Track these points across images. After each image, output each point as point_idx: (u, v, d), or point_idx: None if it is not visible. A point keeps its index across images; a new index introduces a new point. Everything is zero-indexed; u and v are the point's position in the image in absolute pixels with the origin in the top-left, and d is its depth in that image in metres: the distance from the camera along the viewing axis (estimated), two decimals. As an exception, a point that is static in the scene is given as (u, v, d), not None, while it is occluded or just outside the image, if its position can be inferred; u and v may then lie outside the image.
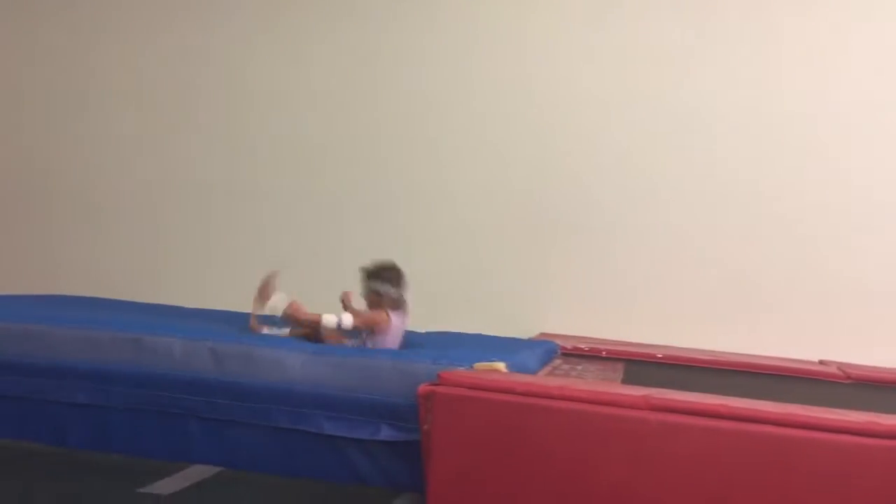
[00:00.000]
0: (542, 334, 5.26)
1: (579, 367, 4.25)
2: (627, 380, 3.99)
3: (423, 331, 4.61)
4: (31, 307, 4.30)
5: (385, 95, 5.89)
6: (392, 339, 4.02)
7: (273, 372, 3.55)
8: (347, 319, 3.92)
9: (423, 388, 3.12)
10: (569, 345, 4.85)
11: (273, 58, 6.04)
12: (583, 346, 4.87)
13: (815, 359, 5.07)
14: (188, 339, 3.65)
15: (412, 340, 4.20)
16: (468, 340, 4.44)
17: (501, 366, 3.35)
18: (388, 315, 3.98)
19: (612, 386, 3.47)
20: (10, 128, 6.43)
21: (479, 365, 3.35)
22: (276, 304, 4.09)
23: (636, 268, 5.57)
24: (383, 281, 4.02)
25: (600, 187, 5.62)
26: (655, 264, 5.55)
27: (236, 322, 4.23)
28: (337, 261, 5.28)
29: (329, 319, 3.90)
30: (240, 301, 4.53)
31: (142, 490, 3.17)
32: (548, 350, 4.49)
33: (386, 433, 3.42)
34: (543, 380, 3.36)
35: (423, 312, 5.33)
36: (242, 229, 5.97)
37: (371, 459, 3.47)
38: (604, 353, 4.80)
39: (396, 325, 4.02)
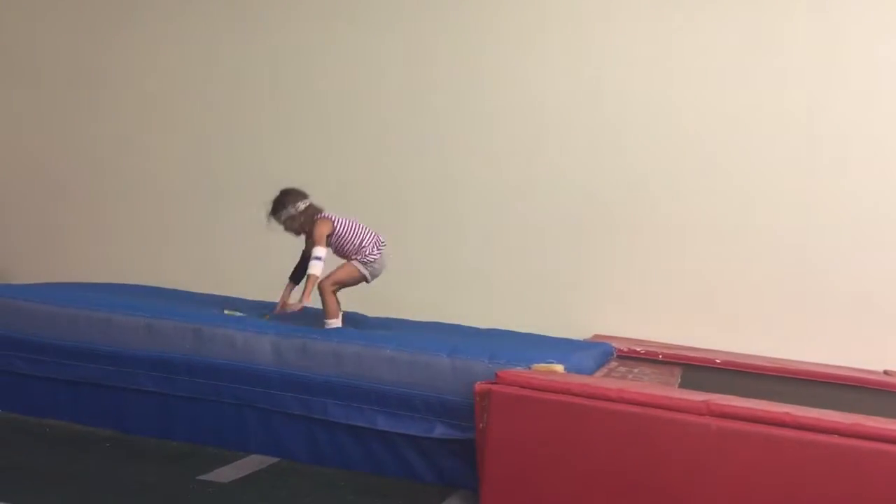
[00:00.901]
0: (597, 336, 5.21)
1: (636, 370, 4.20)
2: (685, 384, 3.93)
3: (484, 328, 4.62)
4: (93, 294, 4.40)
5: (436, 96, 5.91)
6: (354, 233, 4.12)
7: (329, 365, 3.58)
8: (320, 252, 4.01)
9: (479, 386, 3.12)
10: (624, 347, 4.80)
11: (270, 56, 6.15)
12: (639, 349, 4.81)
13: (880, 369, 4.93)
14: (249, 332, 3.70)
15: (470, 335, 4.20)
16: (523, 339, 4.42)
17: (560, 367, 3.33)
18: (322, 221, 4.07)
19: (671, 390, 3.43)
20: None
21: (537, 366, 3.33)
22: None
23: (693, 270, 5.49)
24: (285, 206, 4.09)
25: (659, 187, 5.56)
26: (714, 268, 5.46)
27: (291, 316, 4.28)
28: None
29: (315, 267, 3.98)
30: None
31: (201, 477, 3.23)
32: (604, 352, 4.45)
33: (440, 430, 3.43)
34: (601, 381, 3.32)
35: (480, 311, 5.39)
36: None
37: (424, 456, 3.47)
38: (660, 356, 4.74)
39: (342, 221, 4.13)
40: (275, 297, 4.45)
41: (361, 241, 4.12)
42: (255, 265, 5.76)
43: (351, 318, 4.35)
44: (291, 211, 4.09)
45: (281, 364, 3.61)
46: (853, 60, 5.33)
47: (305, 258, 4.15)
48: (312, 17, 6.10)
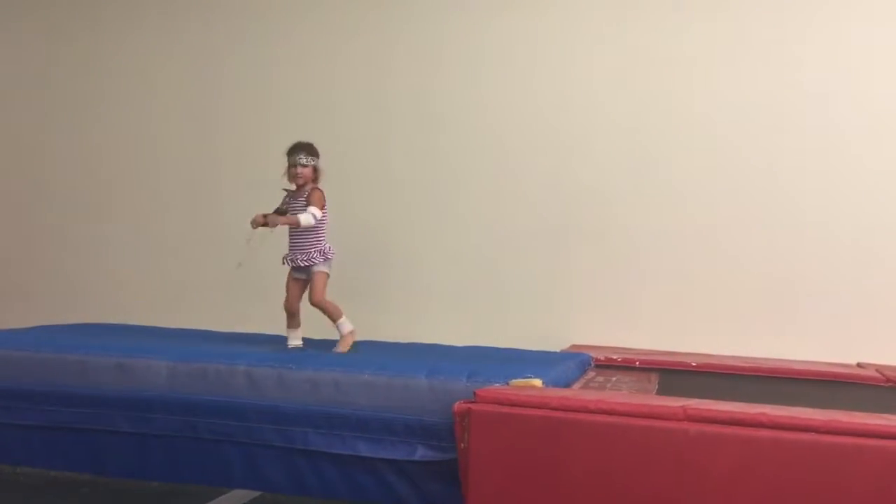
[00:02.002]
0: (574, 346, 5.23)
1: (613, 379, 4.22)
2: (663, 390, 3.95)
3: (461, 345, 4.61)
4: (65, 336, 4.35)
5: (399, 102, 5.91)
6: (325, 212, 4.29)
7: (306, 394, 3.55)
8: (316, 212, 4.19)
9: (458, 406, 3.11)
10: (601, 356, 4.81)
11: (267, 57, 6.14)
12: (615, 357, 4.83)
13: (853, 362, 5.00)
14: (222, 364, 3.67)
15: (447, 354, 4.20)
16: (500, 355, 4.42)
17: (538, 382, 3.33)
18: (322, 193, 4.28)
19: (649, 397, 3.44)
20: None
21: (515, 381, 3.34)
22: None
23: (664, 275, 5.52)
24: (315, 155, 4.31)
25: (624, 194, 5.58)
26: (684, 270, 5.50)
27: (267, 343, 4.26)
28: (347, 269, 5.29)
29: (308, 218, 4.16)
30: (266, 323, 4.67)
31: (183, 517, 3.19)
32: (581, 362, 4.46)
33: (421, 453, 3.40)
34: (580, 394, 3.33)
35: (453, 328, 5.39)
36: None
37: (408, 480, 3.45)
38: (637, 363, 4.77)
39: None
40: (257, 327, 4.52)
41: (322, 217, 4.29)
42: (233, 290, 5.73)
43: (327, 346, 4.33)
44: (317, 163, 4.30)
45: (257, 395, 3.57)
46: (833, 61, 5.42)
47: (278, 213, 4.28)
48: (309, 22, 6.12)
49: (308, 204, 4.22)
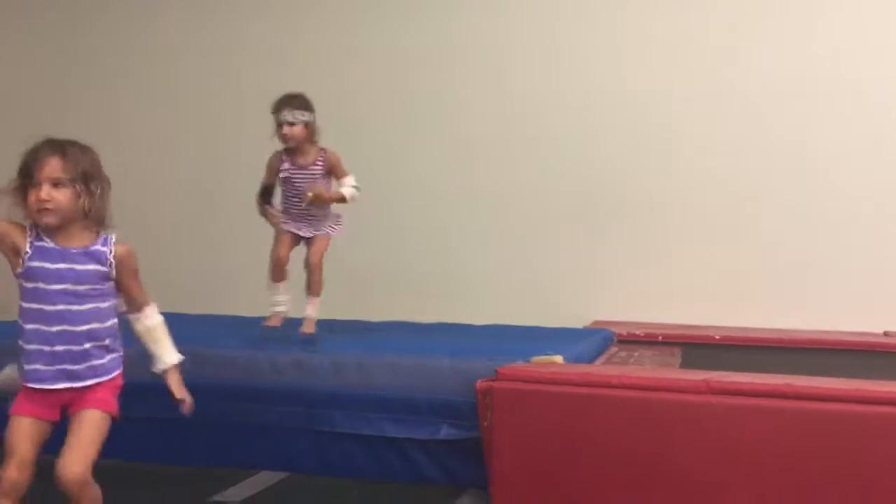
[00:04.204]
0: (596, 322, 5.22)
1: (636, 354, 4.22)
2: (686, 364, 3.96)
3: (483, 324, 4.62)
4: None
5: (423, 87, 5.90)
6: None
7: (330, 377, 3.58)
8: (354, 181, 3.76)
9: (480, 384, 3.13)
10: (624, 331, 4.81)
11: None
12: (638, 332, 4.82)
13: (880, 331, 4.95)
14: (247, 350, 3.71)
15: (469, 333, 4.21)
16: (521, 333, 4.43)
17: (559, 358, 3.34)
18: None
19: (672, 371, 3.44)
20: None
21: (536, 358, 3.34)
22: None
23: (687, 249, 5.50)
24: (306, 109, 3.67)
25: (645, 169, 5.57)
26: (707, 244, 5.47)
27: (290, 327, 4.28)
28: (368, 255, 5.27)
29: (353, 192, 3.75)
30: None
31: (214, 499, 3.23)
32: (603, 338, 4.46)
33: (446, 432, 3.42)
34: (601, 369, 3.34)
35: (475, 306, 5.39)
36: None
37: (433, 458, 3.47)
38: (660, 337, 4.76)
39: None
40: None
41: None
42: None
43: (352, 326, 4.35)
44: (313, 118, 3.68)
45: (281, 379, 3.60)
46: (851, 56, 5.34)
47: (269, 186, 3.81)
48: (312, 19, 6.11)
49: (331, 173, 3.73)
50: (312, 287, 3.84)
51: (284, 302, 3.85)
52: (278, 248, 3.79)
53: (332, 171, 3.78)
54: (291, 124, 3.62)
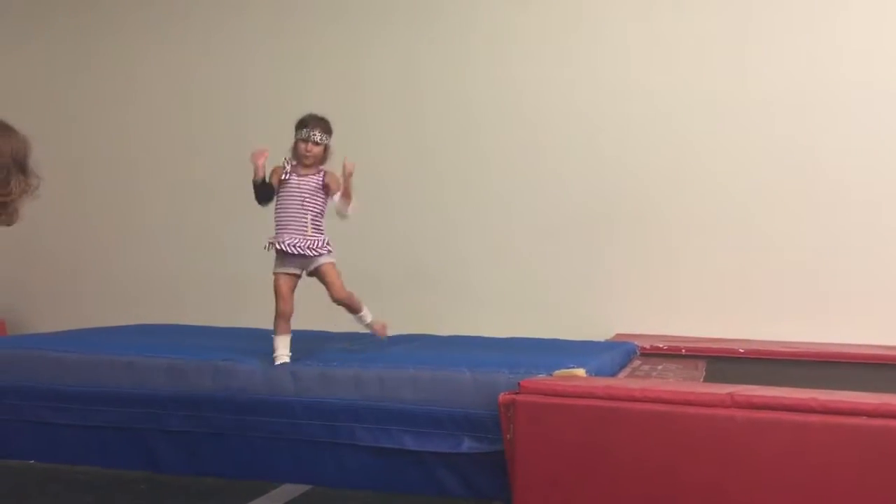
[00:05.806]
0: (619, 335, 5.20)
1: (660, 367, 4.19)
2: (710, 377, 3.92)
3: (505, 337, 4.61)
4: (115, 338, 4.45)
5: (434, 99, 5.93)
6: None
7: (352, 390, 3.59)
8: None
9: (503, 397, 3.12)
10: (647, 344, 4.78)
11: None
12: (661, 345, 4.80)
13: (905, 344, 4.89)
14: (268, 364, 3.73)
15: (490, 347, 4.20)
16: (543, 346, 4.42)
17: (581, 372, 3.33)
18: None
19: (695, 385, 3.41)
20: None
21: (558, 372, 3.33)
22: None
23: (709, 261, 5.47)
24: (330, 133, 3.85)
25: (665, 181, 5.55)
26: (728, 256, 5.44)
27: (311, 340, 4.30)
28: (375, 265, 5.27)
29: (356, 206, 3.83)
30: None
31: (235, 512, 3.25)
32: (626, 351, 4.44)
33: (468, 445, 3.42)
34: (624, 382, 3.32)
35: (496, 320, 5.39)
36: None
37: (455, 472, 3.47)
38: (683, 350, 4.73)
39: None
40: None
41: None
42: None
43: (371, 339, 4.36)
44: (329, 142, 3.85)
45: (303, 393, 3.62)
46: (853, 57, 5.31)
47: (269, 186, 3.83)
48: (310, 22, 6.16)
49: (330, 189, 3.81)
50: (354, 308, 4.02)
51: (289, 354, 3.81)
52: (281, 302, 3.80)
53: (328, 187, 3.85)
54: (317, 144, 3.81)
